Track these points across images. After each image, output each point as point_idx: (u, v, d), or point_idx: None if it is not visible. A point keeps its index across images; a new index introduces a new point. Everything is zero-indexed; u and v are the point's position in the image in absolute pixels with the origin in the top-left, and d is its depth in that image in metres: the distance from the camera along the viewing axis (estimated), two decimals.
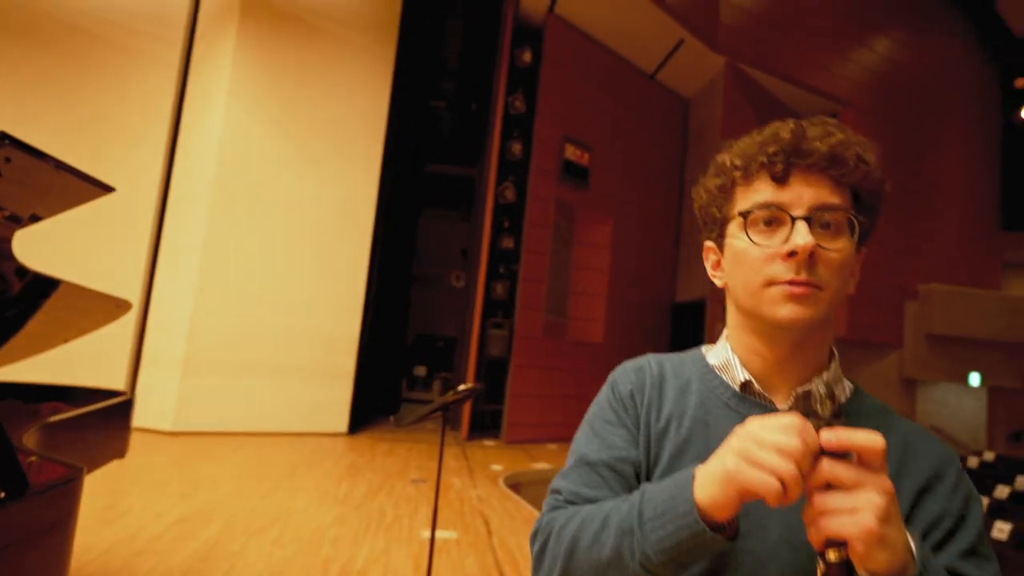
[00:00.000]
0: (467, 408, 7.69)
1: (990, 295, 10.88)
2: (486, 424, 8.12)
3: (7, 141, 1.50)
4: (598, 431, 0.77)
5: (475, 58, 10.80)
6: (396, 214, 9.02)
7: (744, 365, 0.73)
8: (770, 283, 0.65)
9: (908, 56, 11.02)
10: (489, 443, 7.52)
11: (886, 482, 0.50)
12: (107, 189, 2.06)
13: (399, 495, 4.77)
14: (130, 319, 6.73)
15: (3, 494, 1.34)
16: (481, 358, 7.81)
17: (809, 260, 0.64)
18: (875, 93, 10.59)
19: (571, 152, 8.56)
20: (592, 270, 9.15)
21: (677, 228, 10.36)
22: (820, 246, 0.63)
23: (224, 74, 6.89)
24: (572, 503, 0.72)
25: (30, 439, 1.92)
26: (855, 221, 0.66)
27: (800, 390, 0.69)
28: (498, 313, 7.97)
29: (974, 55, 12.11)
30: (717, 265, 0.76)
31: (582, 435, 0.79)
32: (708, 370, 0.77)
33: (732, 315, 0.75)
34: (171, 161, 7.18)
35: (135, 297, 6.84)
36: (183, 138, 7.16)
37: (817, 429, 0.52)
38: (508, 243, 8.06)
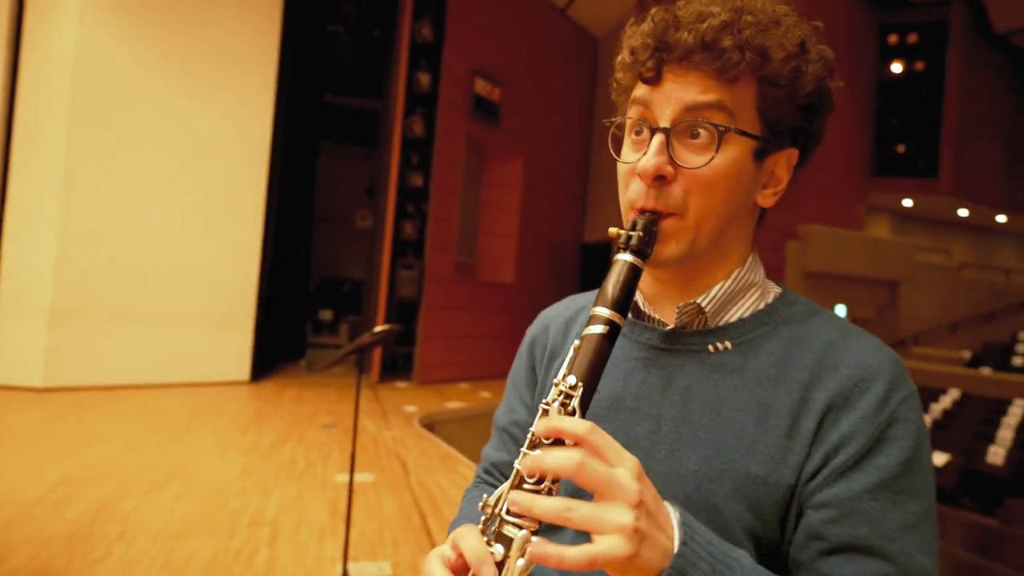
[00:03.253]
0: (378, 351, 7.53)
1: (855, 236, 12.07)
2: (397, 367, 8.02)
3: None
4: (506, 394, 0.79)
5: None
6: (294, 149, 8.36)
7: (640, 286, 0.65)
8: (631, 207, 0.58)
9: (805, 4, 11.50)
10: (401, 385, 7.46)
11: (628, 487, 0.41)
12: None
13: (310, 441, 4.62)
14: None
15: None
16: (391, 300, 7.62)
17: (659, 182, 0.55)
18: None
19: (481, 87, 8.25)
20: (502, 210, 9.07)
21: (586, 169, 10.46)
22: (678, 164, 0.54)
23: None
24: (486, 470, 0.79)
25: None
26: (718, 129, 0.53)
27: (680, 305, 0.60)
28: (408, 254, 7.75)
29: (859, 8, 12.87)
30: None
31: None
32: None
33: None
34: (13, 82, 6.09)
35: None
36: (26, 54, 6.06)
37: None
38: (417, 180, 7.75)
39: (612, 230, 0.56)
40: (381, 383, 7.44)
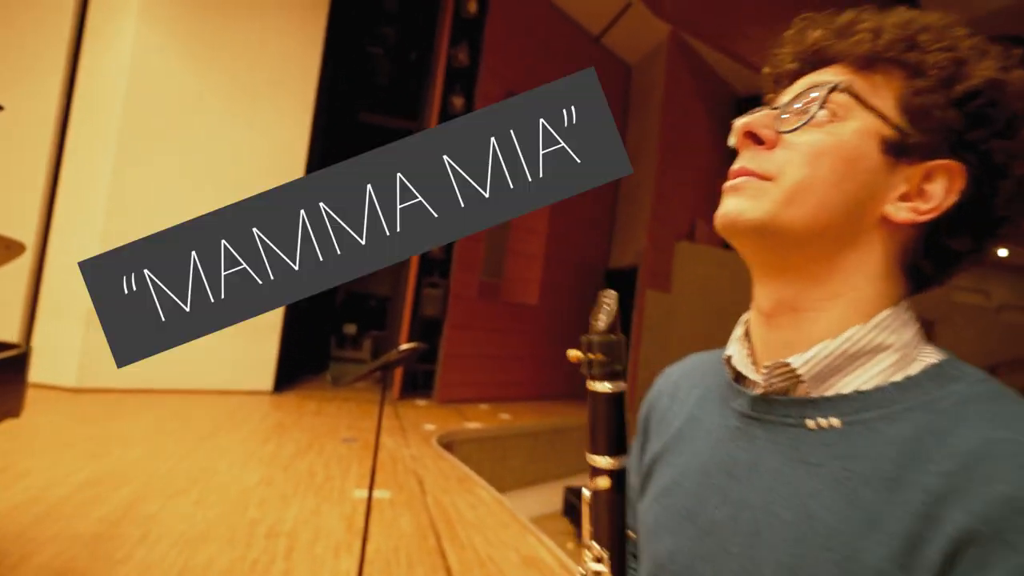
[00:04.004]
0: (399, 367, 7.57)
1: None
2: (418, 384, 8.05)
3: None
4: None
5: (416, 3, 10.27)
6: (328, 165, 8.57)
7: (750, 333, 0.53)
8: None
9: None
10: (421, 403, 7.47)
11: None
12: None
13: (330, 455, 4.65)
14: (23, 264, 6.08)
15: None
16: (415, 318, 7.68)
17: (755, 144, 0.49)
18: None
19: None
20: (530, 231, 9.13)
21: (615, 195, 10.48)
22: (779, 132, 0.48)
23: None
24: None
25: None
26: (824, 88, 0.47)
27: (768, 364, 0.48)
28: (434, 272, 7.83)
29: None
30: None
31: None
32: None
33: None
34: (71, 88, 6.41)
35: (28, 240, 6.17)
36: (85, 64, 6.39)
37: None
38: None
39: (571, 353, 0.48)
40: (401, 400, 7.46)
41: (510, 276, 9.09)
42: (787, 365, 0.47)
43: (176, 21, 6.41)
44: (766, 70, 0.54)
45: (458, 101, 7.83)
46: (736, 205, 0.47)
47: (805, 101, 0.48)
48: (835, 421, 0.45)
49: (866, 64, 0.47)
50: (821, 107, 0.46)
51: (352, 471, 4.28)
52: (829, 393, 0.46)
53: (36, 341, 6.11)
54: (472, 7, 7.89)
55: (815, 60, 0.50)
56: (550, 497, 6.42)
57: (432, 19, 8.81)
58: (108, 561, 2.55)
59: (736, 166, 0.49)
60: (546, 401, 8.80)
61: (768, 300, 0.50)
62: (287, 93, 7.06)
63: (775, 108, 0.49)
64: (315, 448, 4.79)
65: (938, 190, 0.45)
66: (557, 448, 7.24)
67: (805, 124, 0.47)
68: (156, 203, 6.30)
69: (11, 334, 6.12)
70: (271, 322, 6.98)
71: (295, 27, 7.10)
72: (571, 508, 5.83)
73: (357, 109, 11.08)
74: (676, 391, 0.62)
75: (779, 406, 0.48)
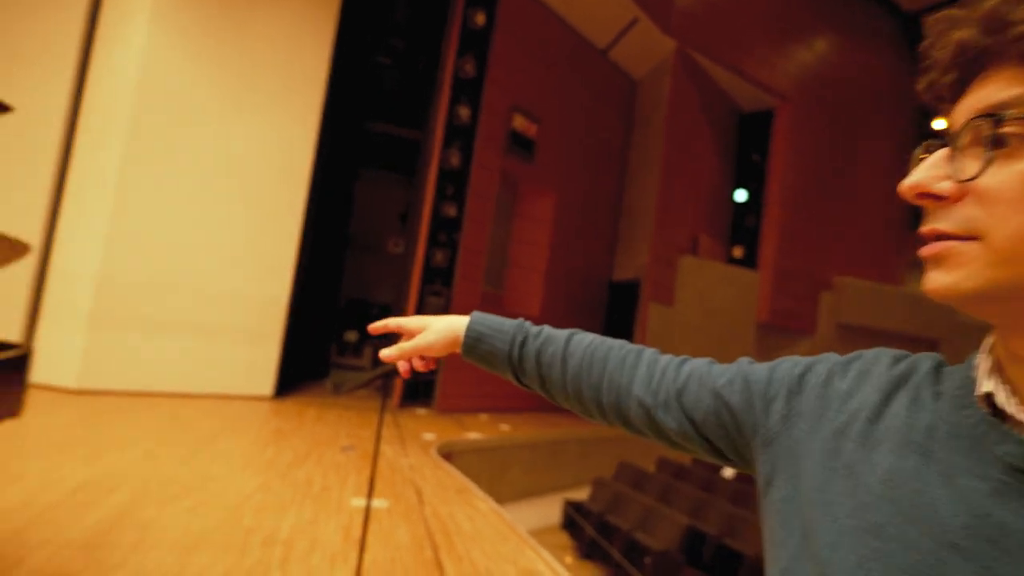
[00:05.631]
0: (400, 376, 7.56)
1: (894, 291, 11.79)
2: (418, 393, 8.02)
3: None
4: (740, 368, 0.59)
5: (425, 15, 10.35)
6: (334, 172, 8.61)
7: (1005, 370, 0.42)
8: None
9: (842, 57, 11.54)
10: (421, 412, 7.44)
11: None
12: (1, 108, 1.80)
13: (328, 463, 4.62)
14: (27, 265, 6.09)
15: None
16: None
17: (937, 202, 0.41)
18: (810, 91, 11.05)
19: (519, 122, 8.41)
20: (532, 244, 9.13)
21: (618, 208, 10.49)
22: (960, 181, 0.40)
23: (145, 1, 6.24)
24: (684, 385, 0.62)
25: None
26: (994, 119, 0.38)
27: None
28: (436, 281, 7.83)
29: (901, 59, 12.84)
30: None
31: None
32: (967, 380, 0.45)
33: None
34: (80, 91, 6.46)
35: (33, 240, 6.19)
36: (95, 67, 6.44)
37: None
38: (451, 211, 7.88)
39: None
40: (401, 408, 7.43)
41: (512, 287, 9.09)
42: None
43: (186, 26, 6.47)
44: (920, 87, 0.45)
45: (464, 111, 7.87)
46: (943, 280, 0.40)
47: (972, 136, 0.39)
48: None
49: None
50: (995, 146, 0.38)
51: (350, 480, 4.25)
52: None
53: (38, 342, 6.11)
54: (480, 19, 7.95)
55: (971, 67, 0.41)
56: (549, 510, 6.37)
57: (440, 30, 8.88)
58: (101, 567, 2.53)
59: (926, 227, 0.41)
60: (546, 413, 8.75)
61: (1005, 343, 0.41)
62: (295, 99, 7.10)
63: (944, 144, 0.42)
64: (314, 456, 4.76)
65: None
66: (557, 460, 7.19)
67: (984, 169, 0.39)
68: (161, 207, 6.32)
69: (14, 334, 6.12)
70: (272, 328, 6.97)
71: (304, 35, 7.16)
72: (570, 522, 5.77)
73: (364, 117, 11.15)
74: (853, 388, 0.51)
75: None
